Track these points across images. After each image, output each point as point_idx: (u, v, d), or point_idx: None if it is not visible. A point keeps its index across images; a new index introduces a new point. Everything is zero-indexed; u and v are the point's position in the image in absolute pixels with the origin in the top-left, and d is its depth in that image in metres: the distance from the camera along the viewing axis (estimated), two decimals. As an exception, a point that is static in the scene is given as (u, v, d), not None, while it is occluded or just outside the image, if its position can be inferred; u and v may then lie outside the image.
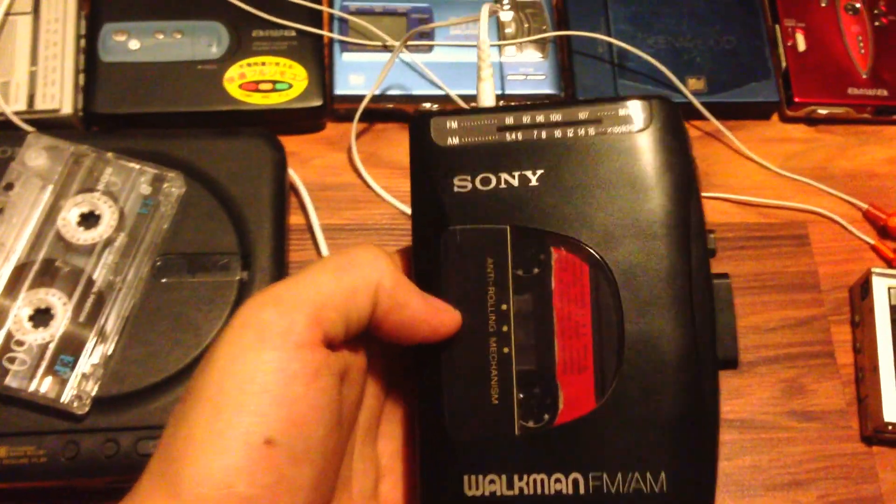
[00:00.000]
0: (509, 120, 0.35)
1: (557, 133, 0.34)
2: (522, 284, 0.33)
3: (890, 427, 0.61)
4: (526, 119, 0.34)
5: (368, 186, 0.68)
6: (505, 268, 0.33)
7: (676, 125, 0.34)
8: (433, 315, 0.33)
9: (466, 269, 0.34)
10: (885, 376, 0.62)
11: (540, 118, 0.34)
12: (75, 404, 0.51)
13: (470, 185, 0.34)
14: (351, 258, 0.32)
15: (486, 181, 0.34)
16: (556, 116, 0.34)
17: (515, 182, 0.33)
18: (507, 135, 0.34)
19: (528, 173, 0.33)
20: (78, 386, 0.52)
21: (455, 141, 0.35)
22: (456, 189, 0.34)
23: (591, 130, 0.34)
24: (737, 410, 0.63)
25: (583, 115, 0.34)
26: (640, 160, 0.33)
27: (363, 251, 0.33)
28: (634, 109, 0.34)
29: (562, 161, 0.34)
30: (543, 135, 0.34)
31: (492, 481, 0.32)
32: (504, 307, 0.33)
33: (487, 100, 0.39)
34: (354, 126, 0.69)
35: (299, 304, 0.30)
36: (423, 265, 0.35)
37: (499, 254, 0.33)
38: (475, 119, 0.35)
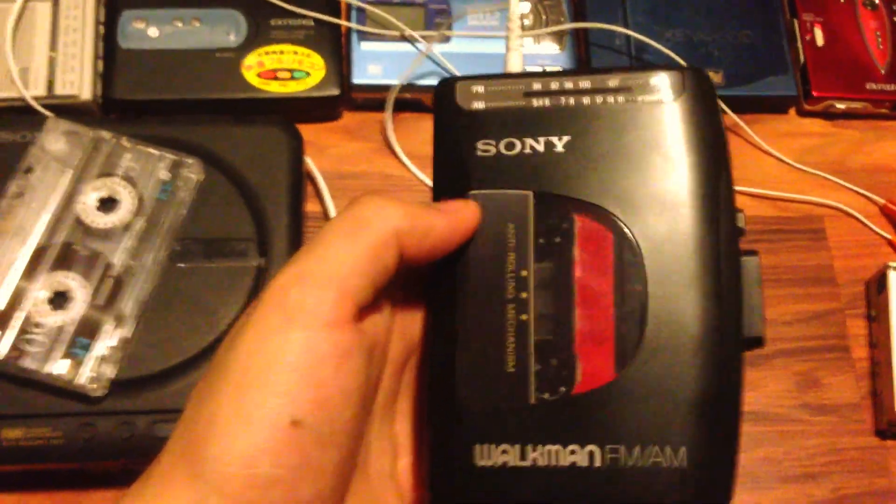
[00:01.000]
0: (536, 86, 0.34)
1: (585, 100, 0.33)
2: (544, 252, 0.32)
3: (904, 422, 0.61)
4: (554, 85, 0.34)
5: (407, 169, 0.68)
6: (526, 234, 0.33)
7: (708, 97, 0.33)
8: (456, 224, 0.33)
9: (486, 233, 0.33)
10: (900, 371, 0.62)
11: (568, 84, 0.34)
12: (92, 387, 0.52)
13: (494, 150, 0.33)
14: (358, 217, 0.31)
15: (510, 146, 0.33)
16: (584, 83, 0.34)
17: (541, 148, 0.33)
18: (534, 100, 0.34)
19: (555, 139, 0.33)
20: (95, 369, 0.52)
21: (480, 105, 0.34)
22: (479, 153, 0.34)
23: (621, 98, 0.33)
24: (751, 403, 0.63)
25: (612, 82, 0.34)
26: (671, 131, 0.32)
27: (366, 205, 0.32)
28: (666, 79, 0.33)
29: (589, 128, 0.33)
30: (571, 101, 0.34)
31: (504, 451, 0.31)
32: (524, 273, 0.32)
33: (515, 68, 0.38)
34: (389, 113, 0.69)
35: (325, 281, 0.30)
36: None
37: (520, 219, 0.33)
38: (502, 84, 0.34)
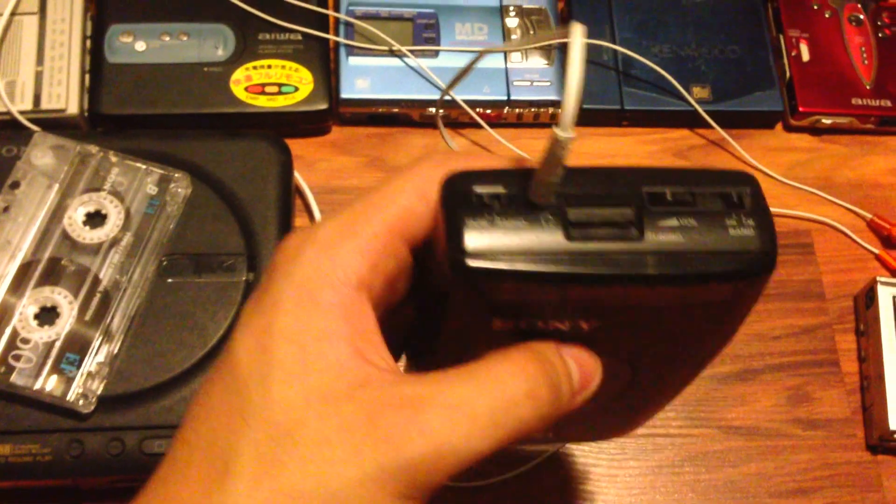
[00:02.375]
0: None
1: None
2: None
3: (895, 436, 0.61)
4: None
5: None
6: None
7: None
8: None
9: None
10: (890, 385, 0.62)
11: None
12: (80, 403, 0.51)
13: (511, 326, 0.30)
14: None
15: (531, 324, 0.30)
16: None
17: (565, 328, 0.30)
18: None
19: (583, 323, 0.30)
20: (83, 384, 0.51)
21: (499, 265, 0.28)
22: (494, 329, 0.30)
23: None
24: (742, 418, 0.63)
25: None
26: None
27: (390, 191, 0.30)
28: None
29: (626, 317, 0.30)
30: None
31: None
32: None
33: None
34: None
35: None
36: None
37: None
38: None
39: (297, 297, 0.28)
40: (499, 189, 0.28)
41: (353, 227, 0.29)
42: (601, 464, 0.61)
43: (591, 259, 0.27)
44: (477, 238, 0.27)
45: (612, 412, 0.39)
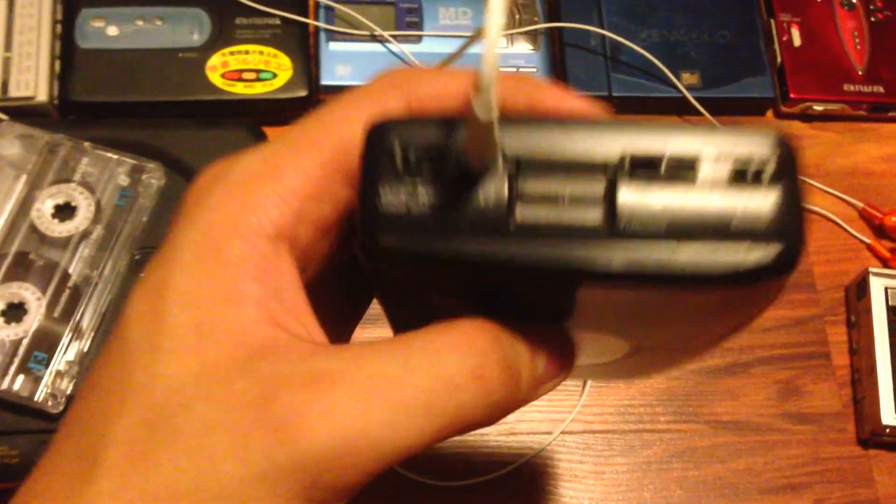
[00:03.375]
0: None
1: None
2: None
3: (887, 430, 0.60)
4: None
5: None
6: None
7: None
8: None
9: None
10: (882, 378, 0.61)
11: None
12: (49, 403, 0.49)
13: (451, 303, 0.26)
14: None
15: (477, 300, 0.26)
16: None
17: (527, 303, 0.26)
18: None
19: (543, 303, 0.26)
20: (52, 384, 0.50)
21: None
22: (431, 304, 0.26)
23: None
24: (731, 412, 0.62)
25: None
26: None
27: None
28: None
29: None
30: None
31: None
32: None
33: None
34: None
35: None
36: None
37: None
38: None
39: (198, 250, 0.23)
40: (432, 145, 0.23)
41: (276, 162, 0.24)
42: (587, 461, 0.60)
43: (533, 250, 0.22)
44: (393, 209, 0.22)
45: (618, 367, 0.34)
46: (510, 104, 0.25)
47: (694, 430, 0.61)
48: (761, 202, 0.22)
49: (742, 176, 0.22)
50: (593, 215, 0.22)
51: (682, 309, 0.25)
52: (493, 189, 0.22)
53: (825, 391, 0.63)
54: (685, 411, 0.62)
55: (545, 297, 0.24)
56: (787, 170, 0.22)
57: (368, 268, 0.24)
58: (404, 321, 0.27)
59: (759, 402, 0.63)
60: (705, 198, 0.22)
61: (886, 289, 0.64)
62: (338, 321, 0.28)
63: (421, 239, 0.22)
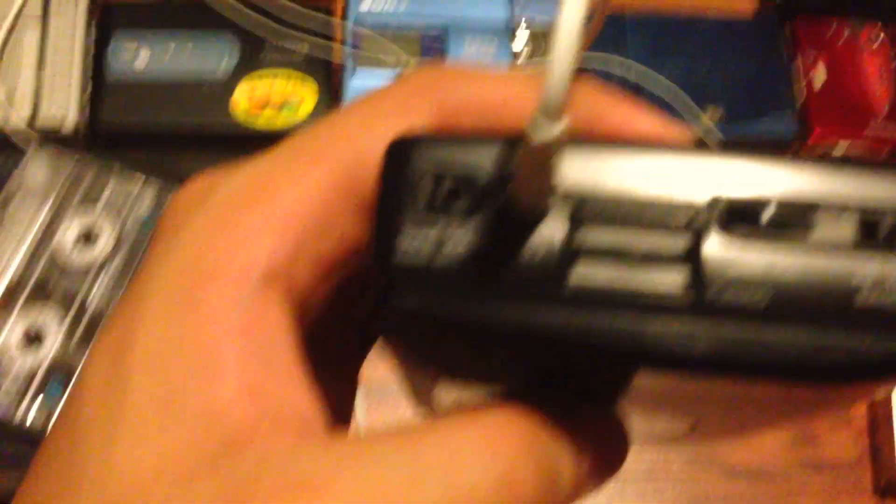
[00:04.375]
0: None
1: None
2: None
3: (904, 482, 0.59)
4: None
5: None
6: None
7: None
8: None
9: None
10: (900, 429, 0.60)
11: None
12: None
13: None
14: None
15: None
16: None
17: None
18: None
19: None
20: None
21: None
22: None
23: None
24: (746, 460, 0.62)
25: None
26: None
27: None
28: None
29: None
30: None
31: None
32: None
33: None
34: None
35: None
36: None
37: None
38: None
39: (168, 298, 0.18)
40: (471, 173, 0.18)
41: (269, 182, 0.19)
42: (600, 506, 0.59)
43: (592, 321, 0.17)
44: (417, 259, 0.18)
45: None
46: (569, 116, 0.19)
47: (708, 478, 0.61)
48: (894, 276, 0.17)
49: (871, 234, 0.17)
50: (672, 279, 0.17)
51: (765, 400, 0.20)
52: (546, 238, 0.18)
53: (841, 439, 0.63)
54: (699, 458, 0.61)
55: (602, 377, 0.20)
56: None
57: (383, 330, 0.20)
58: (422, 389, 0.24)
59: (774, 449, 0.62)
60: (822, 263, 0.17)
61: (906, 336, 0.63)
62: (342, 367, 0.24)
63: (450, 300, 0.18)
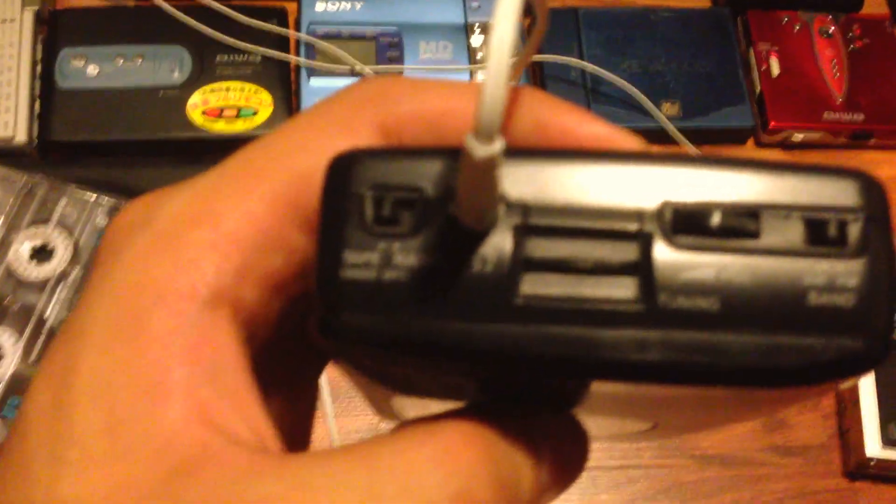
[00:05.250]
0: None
1: None
2: None
3: (872, 462, 0.59)
4: None
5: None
6: None
7: None
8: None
9: None
10: (866, 409, 0.61)
11: None
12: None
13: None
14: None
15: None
16: None
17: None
18: None
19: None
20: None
21: None
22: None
23: None
24: (716, 446, 0.62)
25: None
26: None
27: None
28: None
29: None
30: None
31: None
32: None
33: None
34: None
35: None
36: None
37: None
38: None
39: (112, 323, 0.18)
40: (415, 187, 0.18)
41: (213, 202, 0.19)
42: (572, 499, 0.59)
43: (543, 333, 0.17)
44: (360, 277, 0.17)
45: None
46: (513, 126, 0.20)
47: (680, 465, 0.61)
48: (844, 276, 0.17)
49: (819, 236, 0.17)
50: (623, 287, 0.17)
51: (725, 400, 0.20)
52: (493, 252, 0.17)
53: (810, 423, 0.63)
54: (670, 446, 0.61)
55: (557, 388, 0.20)
56: (879, 228, 0.17)
57: (329, 351, 0.19)
58: (380, 402, 0.24)
59: (744, 435, 0.62)
60: (771, 266, 0.17)
61: (869, 318, 0.63)
62: (299, 383, 0.24)
63: (396, 318, 0.17)
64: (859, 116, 0.74)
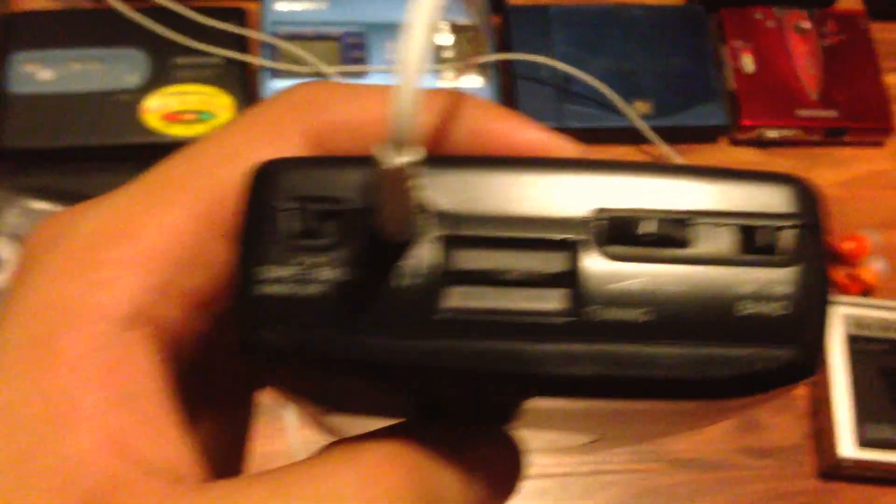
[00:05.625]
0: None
1: None
2: None
3: (846, 463, 0.59)
4: None
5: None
6: None
7: None
8: None
9: None
10: (839, 410, 0.60)
11: None
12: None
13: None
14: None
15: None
16: None
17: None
18: None
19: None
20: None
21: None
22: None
23: None
24: (690, 449, 0.61)
25: None
26: None
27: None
28: None
29: None
30: None
31: None
32: None
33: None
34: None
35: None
36: None
37: None
38: None
39: (22, 346, 0.17)
40: (338, 198, 0.17)
41: (131, 216, 0.18)
42: (542, 506, 0.58)
43: (466, 347, 0.16)
44: (279, 291, 0.17)
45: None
46: (446, 134, 0.19)
47: (653, 469, 0.60)
48: (775, 285, 0.17)
49: (752, 244, 0.17)
50: (551, 299, 0.17)
51: (662, 412, 0.20)
52: (416, 264, 0.17)
53: (784, 424, 0.62)
54: (644, 450, 0.60)
55: (487, 403, 0.19)
56: (811, 236, 0.17)
57: (252, 370, 0.19)
58: (312, 416, 0.23)
59: (717, 437, 0.61)
60: (702, 275, 0.17)
61: (844, 316, 0.63)
62: (233, 402, 0.23)
63: (316, 334, 0.17)
64: (834, 113, 0.73)
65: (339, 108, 0.19)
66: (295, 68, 0.66)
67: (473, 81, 0.69)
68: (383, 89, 0.20)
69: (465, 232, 0.17)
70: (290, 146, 0.19)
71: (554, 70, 0.70)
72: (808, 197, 0.17)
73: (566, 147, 0.20)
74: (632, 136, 0.71)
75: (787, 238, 0.17)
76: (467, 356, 0.16)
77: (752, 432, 0.62)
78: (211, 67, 0.64)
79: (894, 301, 0.63)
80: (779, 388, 0.17)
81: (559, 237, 0.17)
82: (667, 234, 0.17)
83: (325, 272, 0.17)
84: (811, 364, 0.17)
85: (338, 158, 0.18)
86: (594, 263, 0.17)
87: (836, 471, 0.60)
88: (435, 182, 0.17)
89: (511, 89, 0.70)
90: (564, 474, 0.59)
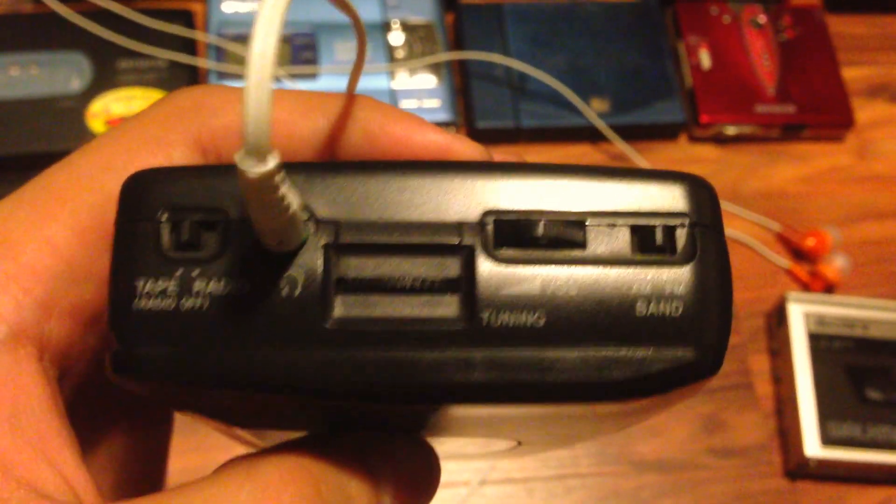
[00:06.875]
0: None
1: None
2: None
3: (811, 462, 0.58)
4: None
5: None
6: None
7: None
8: None
9: None
10: (804, 409, 0.59)
11: None
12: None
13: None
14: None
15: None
16: None
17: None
18: None
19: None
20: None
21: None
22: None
23: None
24: (655, 450, 0.60)
25: None
26: None
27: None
28: None
29: None
30: None
31: None
32: None
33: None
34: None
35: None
36: None
37: None
38: None
39: None
40: (218, 207, 0.16)
41: (8, 231, 0.17)
42: (505, 514, 0.57)
43: (358, 358, 0.16)
44: (154, 307, 0.16)
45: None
46: (341, 138, 0.19)
47: (617, 472, 0.59)
48: (671, 284, 0.16)
49: (646, 244, 0.17)
50: (444, 305, 0.16)
51: (570, 415, 0.19)
52: (301, 273, 0.16)
53: (750, 423, 0.61)
54: (608, 453, 0.59)
55: (387, 412, 0.18)
56: (708, 234, 0.17)
57: (127, 388, 0.17)
58: (219, 429, 0.22)
59: (683, 438, 0.60)
60: (598, 277, 0.16)
61: (806, 314, 0.62)
62: (144, 421, 0.22)
63: (196, 349, 0.15)
64: (791, 108, 0.72)
65: (227, 112, 0.18)
66: (242, 70, 0.64)
67: (426, 81, 0.67)
68: (277, 92, 0.18)
69: (353, 239, 0.16)
70: (176, 153, 0.18)
71: (508, 68, 0.69)
72: (702, 194, 0.17)
73: (467, 149, 0.19)
74: (589, 135, 0.70)
75: (682, 236, 0.17)
76: (359, 367, 0.16)
77: (718, 432, 0.61)
78: (156, 70, 0.62)
79: (857, 298, 0.63)
80: (678, 388, 0.17)
81: (449, 242, 0.16)
82: (561, 236, 0.16)
83: (208, 284, 0.16)
84: (710, 364, 0.16)
85: (218, 167, 0.17)
86: (488, 267, 0.16)
87: (801, 470, 0.59)
88: (322, 188, 0.16)
89: (465, 89, 0.69)
90: (528, 479, 0.57)
